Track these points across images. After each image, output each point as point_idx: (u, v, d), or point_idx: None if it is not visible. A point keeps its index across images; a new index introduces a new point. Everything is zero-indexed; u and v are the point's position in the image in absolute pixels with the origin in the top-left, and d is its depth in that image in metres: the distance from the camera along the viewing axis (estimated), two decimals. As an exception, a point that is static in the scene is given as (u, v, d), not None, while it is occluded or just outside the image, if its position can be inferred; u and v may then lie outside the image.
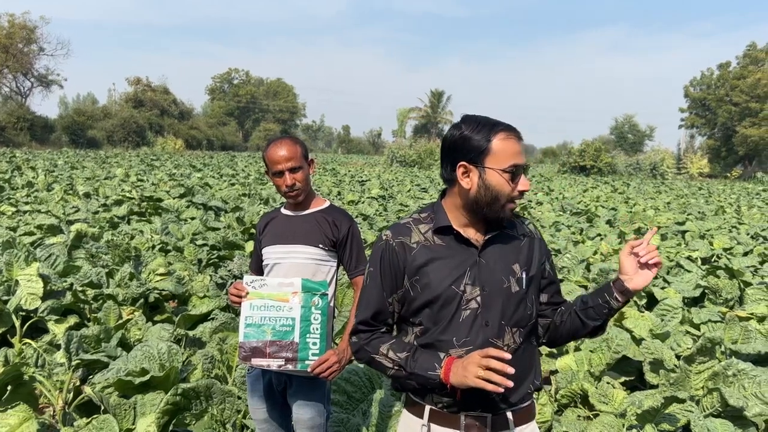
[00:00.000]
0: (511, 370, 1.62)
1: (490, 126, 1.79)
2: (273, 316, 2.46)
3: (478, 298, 1.81)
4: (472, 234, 1.86)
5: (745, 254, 9.71)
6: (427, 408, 1.87)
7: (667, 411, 3.55)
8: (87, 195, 14.27)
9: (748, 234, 12.71)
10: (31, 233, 8.24)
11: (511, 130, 1.80)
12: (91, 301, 5.38)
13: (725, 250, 10.14)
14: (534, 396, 1.96)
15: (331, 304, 2.65)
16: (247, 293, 2.48)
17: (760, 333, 4.98)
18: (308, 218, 2.68)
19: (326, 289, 2.53)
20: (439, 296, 1.82)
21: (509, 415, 1.86)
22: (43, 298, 5.09)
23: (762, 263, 8.79)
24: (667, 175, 50.74)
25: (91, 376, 3.98)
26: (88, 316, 5.26)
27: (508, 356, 1.65)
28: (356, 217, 12.91)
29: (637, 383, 4.69)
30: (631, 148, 72.54)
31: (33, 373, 3.88)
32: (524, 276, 1.86)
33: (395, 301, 1.90)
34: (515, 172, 1.79)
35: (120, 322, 4.80)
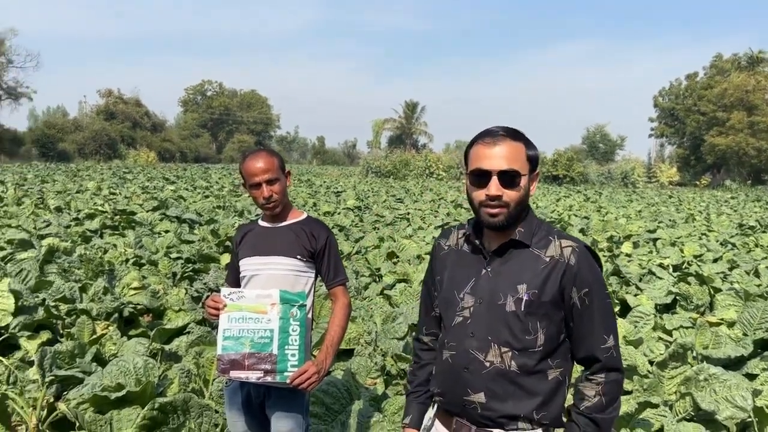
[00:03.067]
0: None
1: (479, 134, 1.84)
2: (251, 328, 2.45)
3: (471, 308, 1.84)
4: (489, 245, 1.87)
5: (715, 261, 9.91)
6: (436, 401, 1.98)
7: (641, 416, 3.61)
8: (58, 209, 14.04)
9: (717, 241, 12.97)
10: (1, 248, 8.09)
11: (485, 135, 1.80)
12: (65, 317, 5.30)
13: (695, 257, 10.34)
14: (538, 429, 1.82)
15: (309, 315, 2.66)
16: (225, 305, 2.48)
17: (730, 338, 5.09)
18: (286, 230, 2.69)
19: (304, 300, 2.53)
20: (444, 299, 1.93)
21: None
22: (15, 315, 5.00)
23: (731, 269, 8.97)
24: (638, 184, 51.55)
25: (65, 393, 3.92)
26: (61, 331, 5.18)
27: None
28: (332, 228, 12.90)
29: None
30: (602, 157, 73.54)
31: (5, 390, 3.82)
32: (525, 298, 1.76)
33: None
34: (479, 176, 1.78)
35: (94, 337, 4.75)
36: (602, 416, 1.78)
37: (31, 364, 4.43)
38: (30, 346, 4.75)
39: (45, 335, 4.94)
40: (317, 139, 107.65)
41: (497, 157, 1.75)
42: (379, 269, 8.34)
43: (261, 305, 2.48)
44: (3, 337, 4.88)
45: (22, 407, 3.78)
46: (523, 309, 1.75)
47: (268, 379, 2.46)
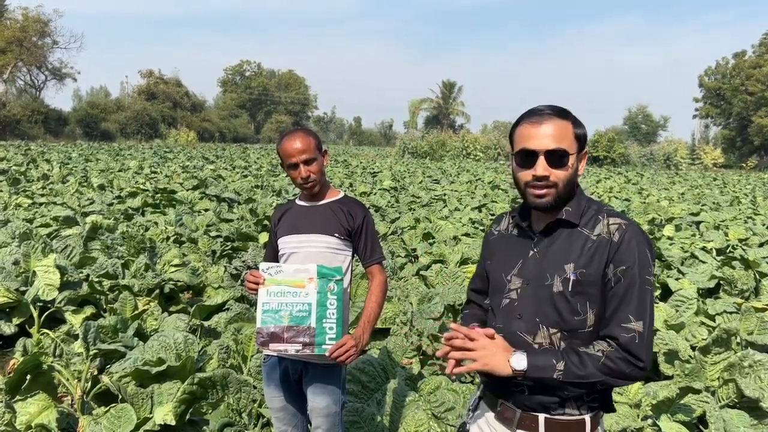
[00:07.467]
0: (469, 344, 1.68)
1: (524, 113, 1.80)
2: (290, 301, 2.48)
3: (518, 290, 1.81)
4: (537, 226, 1.84)
5: (761, 245, 9.62)
6: (482, 383, 1.95)
7: (682, 401, 3.54)
8: (101, 187, 14.37)
9: (764, 225, 12.58)
10: (47, 225, 8.32)
11: (531, 114, 1.76)
12: (107, 292, 5.43)
13: (741, 240, 10.06)
14: (585, 415, 1.75)
15: (347, 290, 2.67)
16: (264, 280, 2.51)
17: (777, 324, 4.94)
18: (323, 208, 2.70)
19: (341, 275, 2.54)
20: (493, 284, 1.92)
21: (541, 419, 1.74)
22: (60, 289, 5.15)
23: (778, 254, 8.69)
24: (681, 166, 50.36)
25: (108, 366, 4.03)
26: (105, 306, 5.31)
27: (466, 331, 1.69)
28: (368, 208, 12.92)
29: (651, 374, 4.67)
30: (644, 138, 72.01)
31: (51, 362, 3.93)
32: (573, 278, 1.70)
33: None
34: (526, 156, 1.74)
35: (136, 312, 4.85)
36: (584, 368, 1.63)
37: (75, 337, 4.56)
38: (75, 320, 4.89)
39: (89, 310, 5.07)
40: (354, 120, 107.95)
41: (544, 136, 1.71)
42: (414, 250, 8.31)
43: (299, 279, 2.50)
44: (49, 311, 5.03)
45: (68, 379, 3.90)
46: (570, 289, 1.70)
47: (307, 351, 2.48)
